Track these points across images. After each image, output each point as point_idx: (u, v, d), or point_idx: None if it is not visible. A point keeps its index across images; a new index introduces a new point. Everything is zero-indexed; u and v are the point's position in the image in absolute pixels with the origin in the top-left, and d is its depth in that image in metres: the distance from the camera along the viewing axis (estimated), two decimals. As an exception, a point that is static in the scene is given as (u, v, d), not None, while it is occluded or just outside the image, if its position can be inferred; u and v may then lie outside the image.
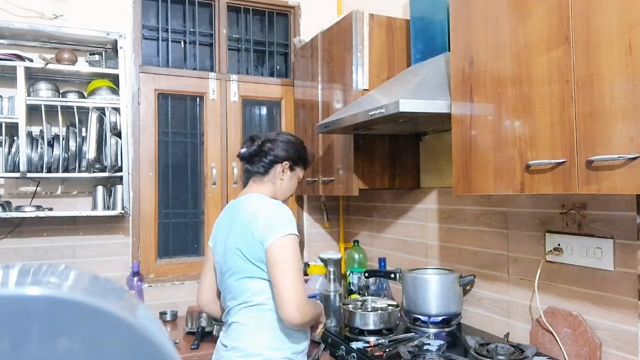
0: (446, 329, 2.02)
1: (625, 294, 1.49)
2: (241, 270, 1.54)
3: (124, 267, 2.67)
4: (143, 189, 2.75)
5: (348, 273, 2.73)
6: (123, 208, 2.51)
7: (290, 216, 1.54)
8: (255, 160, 1.68)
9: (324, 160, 2.64)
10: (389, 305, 2.13)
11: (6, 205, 2.36)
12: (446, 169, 2.27)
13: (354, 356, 1.84)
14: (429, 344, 1.86)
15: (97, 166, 2.45)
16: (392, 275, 2.23)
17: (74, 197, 2.61)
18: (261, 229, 1.50)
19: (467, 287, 2.13)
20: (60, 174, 2.40)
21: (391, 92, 1.93)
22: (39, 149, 2.39)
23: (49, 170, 2.38)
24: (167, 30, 2.92)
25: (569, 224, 1.68)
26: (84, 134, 2.47)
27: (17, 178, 2.38)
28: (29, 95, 2.39)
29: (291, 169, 1.70)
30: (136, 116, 2.74)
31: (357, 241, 2.86)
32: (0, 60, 2.31)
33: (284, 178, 1.68)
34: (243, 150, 1.72)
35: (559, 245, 1.70)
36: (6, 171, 2.37)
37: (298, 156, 1.72)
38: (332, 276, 2.36)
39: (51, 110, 2.44)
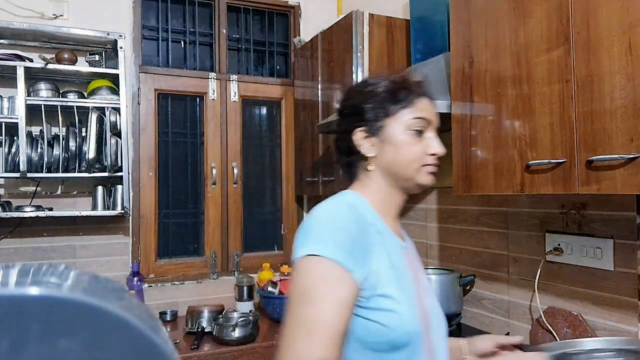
0: (446, 329, 2.02)
1: (625, 294, 1.49)
2: None
3: (124, 267, 2.67)
4: (143, 189, 2.75)
5: (348, 273, 2.73)
6: (123, 208, 2.51)
7: (323, 224, 0.89)
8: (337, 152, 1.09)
9: (324, 160, 2.64)
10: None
11: (6, 205, 2.36)
12: (446, 169, 2.27)
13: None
14: (429, 344, 1.86)
15: (97, 166, 2.45)
16: (392, 275, 2.23)
17: (74, 197, 2.61)
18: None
19: (467, 287, 2.12)
20: (60, 174, 2.40)
21: (391, 92, 1.93)
22: (39, 149, 2.39)
23: (49, 170, 2.38)
24: (167, 30, 2.91)
25: (569, 224, 1.68)
26: (83, 134, 2.47)
27: (17, 178, 2.38)
28: (29, 95, 2.39)
29: (372, 132, 1.00)
30: (136, 116, 2.74)
31: (357, 241, 2.85)
32: (0, 60, 2.31)
33: (368, 152, 1.00)
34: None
35: (559, 245, 1.70)
36: (6, 171, 2.37)
37: (367, 103, 1.00)
38: (332, 276, 2.36)
39: (51, 110, 2.44)
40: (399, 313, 0.88)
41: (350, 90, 1.10)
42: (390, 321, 0.87)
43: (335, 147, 1.11)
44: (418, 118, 1.02)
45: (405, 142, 1.01)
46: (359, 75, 2.32)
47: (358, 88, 1.07)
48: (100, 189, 2.55)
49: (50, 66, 2.39)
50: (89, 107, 2.45)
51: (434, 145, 1.06)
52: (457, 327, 2.06)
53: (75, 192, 2.62)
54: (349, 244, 0.88)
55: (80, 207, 2.59)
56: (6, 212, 2.33)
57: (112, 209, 2.52)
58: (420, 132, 1.03)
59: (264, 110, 3.17)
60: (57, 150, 2.39)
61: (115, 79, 2.53)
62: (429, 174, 1.08)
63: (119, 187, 2.53)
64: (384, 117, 1.00)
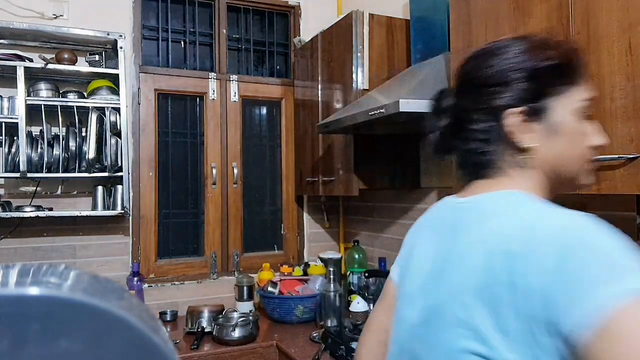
0: (446, 329, 2.02)
1: (625, 294, 1.49)
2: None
3: (124, 267, 2.67)
4: (143, 189, 2.75)
5: (348, 273, 2.73)
6: (123, 208, 2.51)
7: (625, 247, 0.61)
8: (460, 142, 0.82)
9: (324, 160, 2.64)
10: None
11: (6, 205, 2.36)
12: (446, 169, 2.27)
13: (354, 356, 1.84)
14: (429, 344, 1.85)
15: (97, 166, 2.45)
16: (392, 275, 2.23)
17: (74, 197, 2.61)
18: (550, 285, 0.59)
19: (467, 287, 2.12)
20: (60, 174, 2.40)
21: (391, 92, 1.93)
22: (39, 149, 2.39)
23: (49, 170, 2.38)
24: (167, 30, 2.92)
25: (569, 224, 1.67)
26: (83, 134, 2.47)
27: (17, 178, 2.38)
28: (29, 95, 2.39)
29: (535, 114, 0.74)
30: (136, 116, 2.74)
31: (357, 241, 2.86)
32: (0, 60, 2.31)
33: (530, 144, 0.75)
34: (435, 135, 0.85)
35: (559, 245, 1.69)
36: (6, 171, 2.37)
37: (534, 76, 0.74)
38: (332, 276, 2.36)
39: (51, 110, 2.44)
40: None
41: (493, 53, 0.77)
42: None
43: (454, 130, 0.81)
44: (590, 99, 0.77)
45: (579, 131, 0.76)
46: (359, 75, 2.32)
47: (509, 52, 0.76)
48: (100, 189, 2.55)
49: (50, 66, 2.39)
50: (89, 107, 2.45)
51: (602, 135, 0.80)
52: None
53: (75, 192, 2.62)
54: None
55: (80, 207, 2.59)
56: (6, 212, 2.33)
57: (112, 209, 2.52)
58: (590, 119, 0.79)
59: (264, 110, 3.18)
60: (57, 150, 2.39)
61: (115, 79, 2.53)
62: (593, 173, 0.83)
63: (119, 187, 2.53)
64: (551, 95, 0.74)
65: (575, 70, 0.77)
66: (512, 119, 0.74)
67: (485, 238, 0.69)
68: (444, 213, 0.86)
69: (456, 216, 0.80)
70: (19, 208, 2.40)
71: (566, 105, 0.75)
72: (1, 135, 2.38)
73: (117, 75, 2.50)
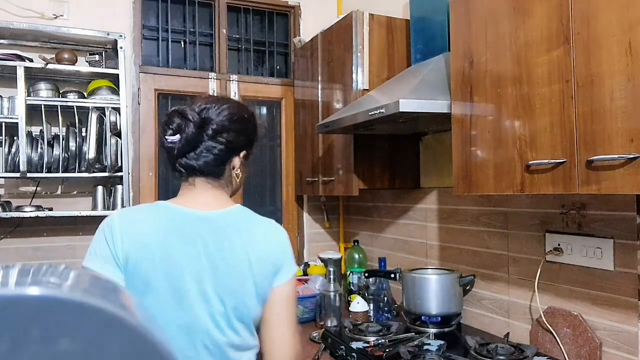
0: (446, 329, 2.02)
1: (625, 294, 1.49)
2: (255, 313, 1.13)
3: (124, 267, 2.66)
4: (143, 189, 2.75)
5: (348, 273, 2.73)
6: (123, 208, 2.51)
7: None
8: (200, 151, 1.13)
9: (324, 160, 2.64)
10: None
11: (6, 205, 2.36)
12: (446, 169, 2.27)
13: (354, 356, 1.84)
14: (429, 344, 1.86)
15: (97, 166, 2.45)
16: (392, 275, 2.23)
17: (74, 197, 2.61)
18: (281, 260, 1.15)
19: (467, 287, 2.13)
20: (60, 174, 2.40)
21: (391, 92, 1.93)
22: (39, 149, 2.39)
23: (49, 170, 2.38)
24: (167, 30, 2.92)
25: (569, 224, 1.68)
26: (84, 134, 2.47)
27: (17, 178, 2.38)
28: (29, 95, 2.40)
29: (247, 157, 1.23)
30: (136, 116, 2.74)
31: (357, 241, 2.86)
32: (0, 60, 2.31)
33: (240, 172, 1.21)
34: (174, 138, 1.12)
35: (559, 245, 1.70)
36: (6, 171, 2.37)
37: (254, 136, 1.24)
38: (332, 276, 2.36)
39: (51, 110, 2.44)
40: None
41: (244, 112, 1.25)
42: None
43: (201, 153, 1.18)
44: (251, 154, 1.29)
45: (245, 170, 1.27)
46: (359, 75, 2.32)
47: (250, 114, 1.27)
48: (100, 189, 2.55)
49: (50, 66, 2.39)
50: (89, 107, 2.45)
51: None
52: (457, 327, 2.06)
53: (75, 192, 2.62)
54: None
55: (80, 207, 2.59)
56: (6, 212, 2.33)
57: (112, 209, 2.52)
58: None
59: (264, 110, 3.17)
60: (57, 150, 2.39)
61: (115, 79, 2.53)
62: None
63: (119, 187, 2.53)
64: (250, 147, 1.26)
65: (256, 139, 1.26)
66: (239, 160, 1.19)
67: (254, 246, 1.12)
68: (187, 222, 1.13)
69: (210, 226, 1.12)
70: (19, 208, 2.40)
71: (248, 157, 1.24)
72: (1, 135, 2.38)
73: (117, 75, 2.50)
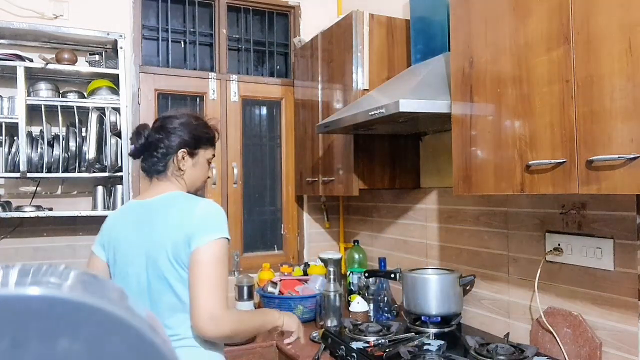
0: (446, 329, 2.02)
1: (625, 294, 1.49)
2: (178, 278, 1.37)
3: (124, 267, 2.67)
4: (143, 189, 2.75)
5: (348, 273, 2.73)
6: (123, 208, 2.51)
7: (224, 218, 1.39)
8: (147, 155, 1.47)
9: (324, 160, 2.64)
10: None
11: (6, 205, 2.36)
12: (446, 169, 2.27)
13: (354, 356, 1.84)
14: (429, 344, 1.86)
15: (97, 166, 2.45)
16: (392, 275, 2.23)
17: (74, 197, 2.61)
18: (191, 231, 1.33)
19: (467, 287, 2.13)
20: (60, 174, 2.40)
21: (391, 92, 1.93)
22: (39, 149, 2.39)
23: (49, 170, 2.38)
24: (167, 30, 2.92)
25: (569, 224, 1.68)
26: (84, 134, 2.47)
27: (17, 178, 2.38)
28: (29, 95, 2.39)
29: (191, 154, 1.48)
30: (136, 116, 2.74)
31: (357, 241, 2.86)
32: (0, 60, 2.31)
33: (185, 168, 1.47)
34: (131, 146, 1.51)
35: (559, 245, 1.70)
36: (6, 171, 2.37)
37: (195, 137, 1.49)
38: (332, 276, 2.36)
39: (51, 110, 2.44)
40: None
41: (187, 120, 1.53)
42: None
43: (148, 157, 1.52)
44: (213, 156, 1.58)
45: (204, 168, 1.56)
46: (359, 75, 2.32)
47: (195, 120, 1.56)
48: (100, 189, 2.55)
49: (50, 66, 2.39)
50: (89, 107, 2.45)
51: (211, 174, 1.64)
52: (457, 327, 2.06)
53: (75, 192, 2.62)
54: None
55: (80, 207, 2.59)
56: (6, 212, 2.33)
57: (112, 209, 2.52)
58: (210, 163, 1.58)
59: (264, 110, 3.18)
60: (57, 150, 2.39)
61: (115, 79, 2.53)
62: (203, 189, 1.71)
63: (119, 187, 2.53)
64: (202, 147, 1.53)
65: (213, 141, 1.55)
66: (178, 157, 1.46)
67: (174, 218, 1.37)
68: (133, 211, 1.48)
69: (145, 211, 1.44)
70: (19, 208, 2.40)
71: (204, 155, 1.53)
72: (1, 135, 2.38)
73: (117, 75, 2.50)
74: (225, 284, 1.34)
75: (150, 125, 1.51)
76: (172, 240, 1.35)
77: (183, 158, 1.47)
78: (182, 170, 1.47)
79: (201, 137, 1.51)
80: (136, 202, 1.51)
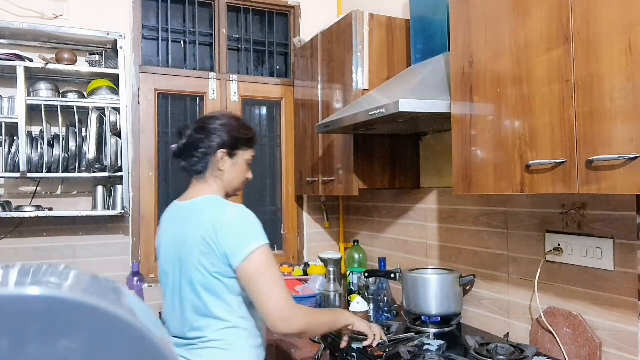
0: (446, 329, 2.02)
1: (625, 294, 1.49)
2: (205, 285, 1.39)
3: (124, 267, 2.67)
4: (143, 189, 2.75)
5: (348, 273, 2.73)
6: (123, 208, 2.51)
7: (257, 223, 1.38)
8: (188, 156, 1.49)
9: (324, 160, 2.64)
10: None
11: (6, 205, 2.36)
12: (446, 169, 2.27)
13: (354, 356, 1.84)
14: (429, 344, 1.86)
15: (97, 166, 2.45)
16: (392, 275, 2.23)
17: (74, 197, 2.61)
18: (226, 243, 1.34)
19: (467, 287, 2.13)
20: (60, 174, 2.40)
21: (391, 92, 1.93)
22: (39, 149, 2.39)
23: (49, 170, 2.38)
24: (167, 30, 2.92)
25: (569, 224, 1.68)
26: (84, 134, 2.47)
27: (17, 178, 2.38)
28: (29, 95, 2.39)
29: (230, 155, 1.49)
30: (136, 116, 2.74)
31: (357, 241, 2.86)
32: (0, 60, 2.31)
33: (224, 168, 1.48)
34: (173, 146, 1.54)
35: (559, 245, 1.70)
36: (6, 171, 2.37)
37: (235, 138, 1.50)
38: (332, 276, 2.36)
39: (51, 110, 2.44)
40: None
41: (227, 121, 1.54)
42: None
43: (189, 157, 1.52)
44: (252, 157, 1.57)
45: (244, 169, 1.56)
46: (359, 75, 2.32)
47: (236, 122, 1.57)
48: (100, 189, 2.55)
49: (50, 66, 2.39)
50: (89, 107, 2.45)
51: (250, 174, 1.60)
52: (457, 327, 2.06)
53: (75, 192, 2.62)
54: None
55: (80, 207, 2.59)
56: (6, 212, 2.33)
57: (112, 209, 2.52)
58: (249, 164, 1.58)
59: (264, 110, 3.18)
60: (57, 150, 2.39)
61: (115, 79, 2.53)
62: (240, 190, 1.61)
63: (119, 187, 2.53)
64: (242, 148, 1.54)
65: (252, 142, 1.55)
66: (217, 157, 1.47)
67: (204, 226, 1.36)
68: (174, 212, 1.54)
69: (180, 214, 1.49)
70: (19, 208, 2.40)
71: (243, 156, 1.53)
72: (1, 135, 2.38)
73: (117, 75, 2.50)
74: (281, 283, 1.35)
75: (190, 129, 1.53)
76: (200, 249, 1.36)
77: (222, 158, 1.48)
78: (221, 171, 1.48)
79: (240, 138, 1.51)
80: (177, 203, 1.54)
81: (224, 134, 1.48)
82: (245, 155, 1.54)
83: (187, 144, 1.49)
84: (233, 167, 1.51)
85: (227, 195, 1.54)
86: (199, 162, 1.48)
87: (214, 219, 1.37)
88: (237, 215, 1.38)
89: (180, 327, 1.44)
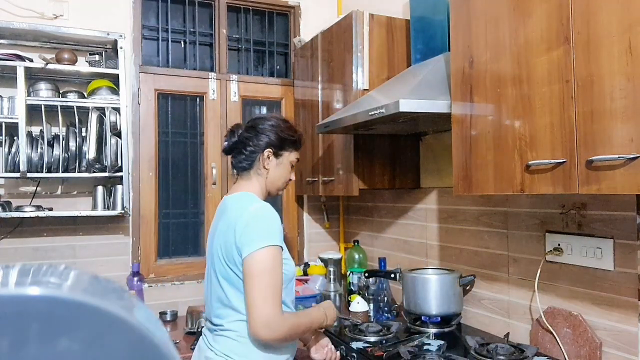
0: (446, 329, 2.02)
1: (625, 294, 1.49)
2: (225, 275, 1.46)
3: (124, 267, 2.67)
4: (143, 189, 2.75)
5: (348, 273, 2.73)
6: (123, 208, 2.51)
7: (273, 224, 1.42)
8: (237, 152, 1.58)
9: (324, 160, 2.64)
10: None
11: (6, 205, 2.36)
12: (446, 169, 2.27)
13: (354, 356, 1.84)
14: (429, 344, 1.86)
15: (97, 166, 2.45)
16: (392, 275, 2.23)
17: (74, 197, 2.61)
18: (240, 236, 1.39)
19: (467, 287, 2.13)
20: (60, 174, 2.40)
21: (391, 92, 1.93)
22: (39, 149, 2.39)
23: (49, 170, 2.38)
24: (167, 30, 2.91)
25: (569, 224, 1.68)
26: (84, 134, 2.47)
27: (17, 178, 2.38)
28: (29, 95, 2.39)
29: (276, 155, 1.57)
30: (136, 116, 2.74)
31: (357, 241, 2.86)
32: (0, 60, 2.31)
33: (269, 167, 1.56)
34: (225, 143, 1.62)
35: (559, 245, 1.70)
36: (6, 171, 2.37)
37: (282, 139, 1.57)
38: (332, 276, 2.36)
39: (51, 110, 2.44)
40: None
41: (276, 123, 1.62)
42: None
43: (237, 154, 1.61)
44: (297, 160, 1.65)
45: (287, 170, 1.62)
46: (359, 75, 2.32)
47: (284, 123, 1.63)
48: (100, 189, 2.55)
49: (50, 66, 2.39)
50: (89, 107, 2.45)
51: (293, 175, 1.66)
52: (457, 327, 2.06)
53: (75, 192, 2.62)
54: None
55: (80, 207, 2.59)
56: (6, 212, 2.33)
57: (112, 209, 2.52)
58: (293, 165, 1.65)
59: (264, 110, 3.17)
60: (57, 150, 2.39)
61: (115, 79, 2.53)
62: (283, 190, 1.68)
63: (119, 187, 2.53)
64: (288, 149, 1.61)
65: (297, 144, 1.62)
66: (264, 156, 1.55)
67: (230, 219, 1.45)
68: (220, 206, 1.61)
69: (221, 208, 1.58)
70: (19, 208, 2.40)
71: (288, 157, 1.60)
72: (1, 135, 2.38)
73: (117, 75, 2.50)
74: (277, 290, 1.37)
75: (242, 127, 1.61)
76: (224, 241, 1.45)
77: (268, 157, 1.55)
78: (266, 169, 1.56)
79: (287, 139, 1.58)
80: (225, 197, 1.63)
81: (272, 134, 1.56)
82: (290, 156, 1.61)
83: (237, 141, 1.57)
84: (277, 167, 1.58)
85: (269, 194, 1.61)
86: (246, 159, 1.56)
87: (238, 213, 1.44)
88: (257, 211, 1.43)
89: (209, 312, 1.54)
